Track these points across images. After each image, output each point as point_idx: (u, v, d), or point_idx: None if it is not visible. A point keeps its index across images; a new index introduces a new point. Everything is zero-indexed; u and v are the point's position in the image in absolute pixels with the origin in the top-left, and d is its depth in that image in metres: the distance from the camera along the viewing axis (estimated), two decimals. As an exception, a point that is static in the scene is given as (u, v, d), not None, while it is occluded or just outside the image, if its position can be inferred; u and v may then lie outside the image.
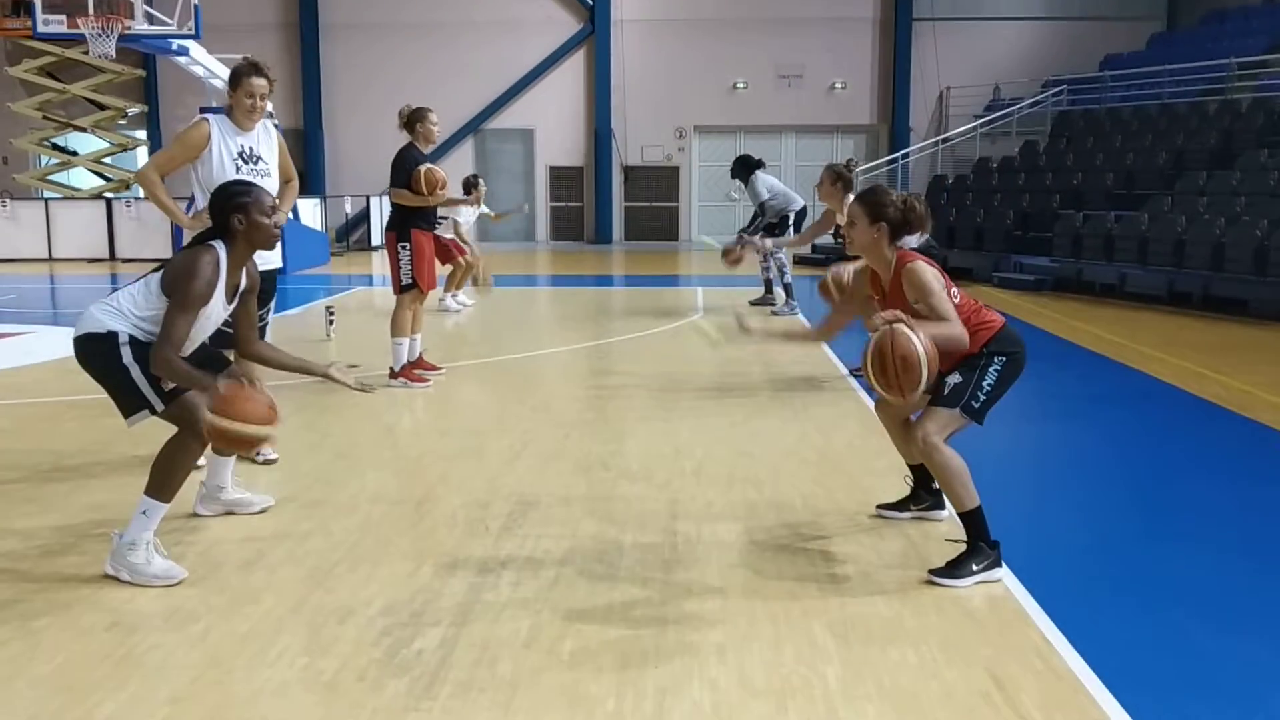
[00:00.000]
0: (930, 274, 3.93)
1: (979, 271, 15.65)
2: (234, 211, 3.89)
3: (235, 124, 5.20)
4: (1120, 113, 19.48)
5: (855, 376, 7.90)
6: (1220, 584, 3.94)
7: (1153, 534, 4.54)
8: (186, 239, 4.79)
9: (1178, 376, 8.02)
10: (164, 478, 3.82)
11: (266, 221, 3.93)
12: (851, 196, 7.87)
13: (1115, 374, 8.32)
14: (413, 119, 7.51)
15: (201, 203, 4.99)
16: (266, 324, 5.29)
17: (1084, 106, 21.05)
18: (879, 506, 4.67)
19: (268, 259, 5.11)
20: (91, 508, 4.71)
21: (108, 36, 14.40)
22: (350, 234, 24.06)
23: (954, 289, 4.02)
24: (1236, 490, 5.21)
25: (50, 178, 24.13)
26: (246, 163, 5.13)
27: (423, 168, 7.35)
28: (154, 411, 3.80)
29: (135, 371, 3.75)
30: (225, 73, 16.94)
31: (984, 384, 3.94)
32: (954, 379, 3.96)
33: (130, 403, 3.81)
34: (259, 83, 5.14)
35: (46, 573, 3.93)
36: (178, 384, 3.78)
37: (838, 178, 8.06)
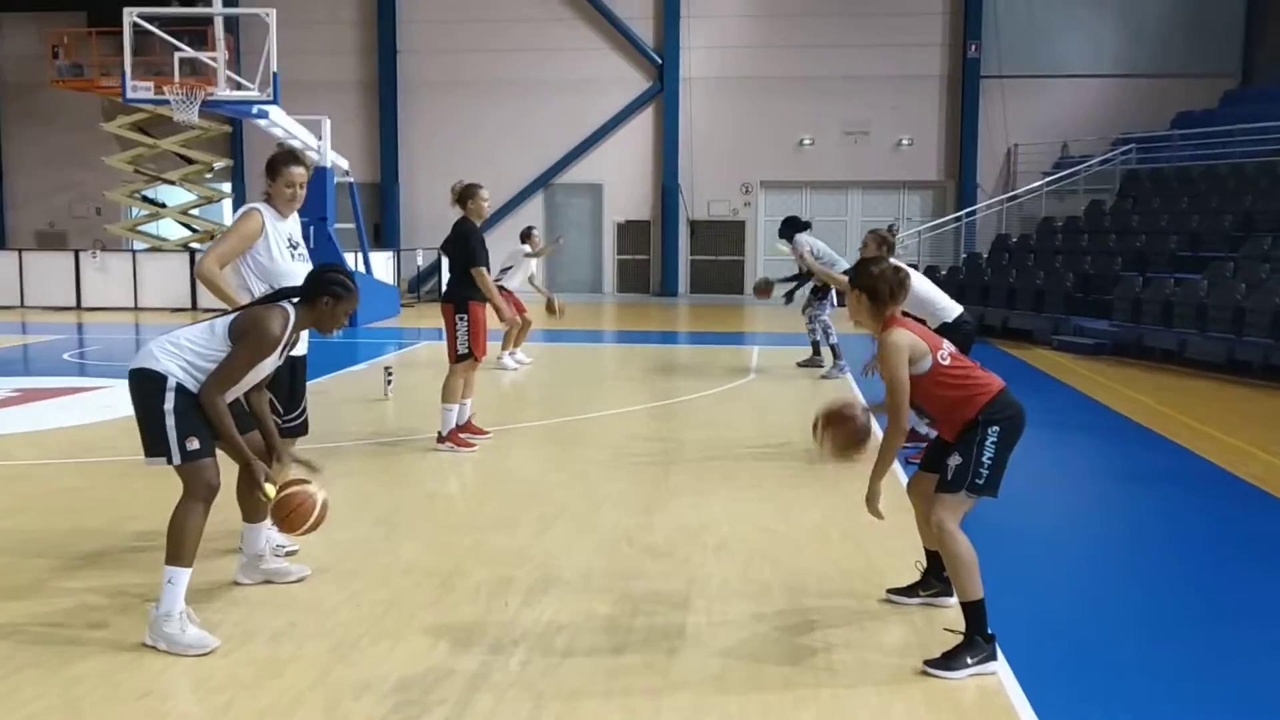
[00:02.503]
0: (897, 354, 4.10)
1: (1039, 334, 15.59)
2: (327, 294, 4.31)
3: (276, 211, 5.23)
4: (1189, 172, 19.30)
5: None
6: (1214, 689, 3.99)
7: (1160, 634, 4.57)
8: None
9: (1223, 455, 7.96)
10: (176, 544, 4.11)
11: (342, 316, 4.38)
12: (892, 260, 8.04)
13: (1159, 450, 8.29)
14: (464, 195, 7.86)
15: (258, 291, 5.10)
16: (305, 417, 5.48)
17: (1153, 165, 20.89)
18: (889, 591, 4.78)
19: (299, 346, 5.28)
20: (147, 570, 5.00)
21: (191, 103, 15.14)
22: (422, 285, 24.69)
23: (943, 351, 4.17)
24: (1264, 590, 5.20)
25: (139, 228, 25.19)
26: (293, 249, 5.22)
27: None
28: (170, 463, 4.11)
29: (170, 421, 4.07)
30: (303, 134, 17.74)
31: (984, 459, 4.03)
32: (954, 461, 4.07)
33: (154, 445, 4.12)
34: (298, 171, 5.19)
35: (94, 637, 4.22)
36: (213, 425, 4.14)
37: (882, 241, 8.18)
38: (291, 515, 4.36)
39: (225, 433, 4.16)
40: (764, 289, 12.51)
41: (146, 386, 4.11)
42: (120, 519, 5.95)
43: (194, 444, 4.08)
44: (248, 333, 4.12)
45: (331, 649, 4.14)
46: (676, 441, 8.37)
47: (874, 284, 4.23)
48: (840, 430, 4.48)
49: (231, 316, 4.25)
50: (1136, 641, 4.40)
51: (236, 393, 4.29)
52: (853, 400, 4.69)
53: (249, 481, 4.29)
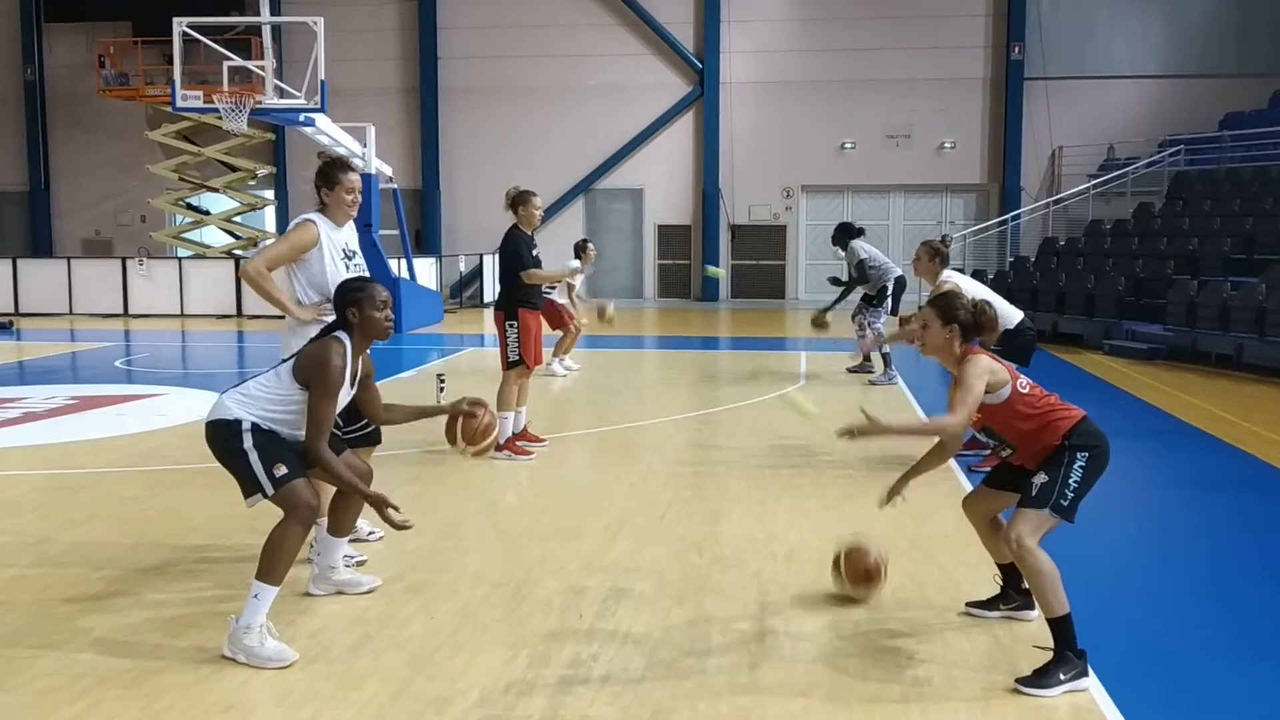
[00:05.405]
0: (978, 370, 4.06)
1: (1090, 338, 15.39)
2: (349, 305, 4.30)
3: (332, 221, 5.23)
4: (1240, 173, 19.01)
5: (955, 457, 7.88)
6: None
7: (1254, 647, 4.46)
8: (290, 326, 5.19)
9: (1292, 461, 7.81)
10: (271, 561, 4.10)
11: (378, 315, 4.33)
12: (946, 271, 7.92)
13: (1228, 457, 8.13)
14: (517, 202, 7.82)
15: (310, 301, 5.17)
16: (375, 426, 5.46)
17: (1201, 166, 20.59)
18: (968, 604, 4.69)
19: None
20: (216, 580, 5.02)
21: (240, 111, 15.25)
22: (464, 290, 24.75)
23: (1021, 380, 4.15)
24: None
25: (183, 235, 25.45)
26: (349, 259, 5.24)
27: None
28: (265, 495, 4.12)
29: (253, 456, 4.11)
30: (349, 141, 17.81)
31: (1070, 481, 3.98)
32: (1040, 479, 4.01)
33: (247, 484, 4.16)
34: (355, 177, 5.21)
35: (173, 648, 4.21)
36: (333, 481, 4.34)
37: (935, 253, 8.08)
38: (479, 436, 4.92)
39: (346, 482, 4.33)
40: (820, 324, 11.93)
41: (223, 434, 4.17)
42: (184, 529, 5.96)
43: (281, 470, 4.10)
44: (314, 373, 4.14)
45: (408, 661, 4.11)
46: (732, 449, 8.30)
47: (973, 319, 4.20)
48: (858, 564, 4.67)
49: (294, 359, 4.28)
50: (1229, 655, 4.29)
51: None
52: (866, 544, 4.78)
53: (376, 507, 4.25)
